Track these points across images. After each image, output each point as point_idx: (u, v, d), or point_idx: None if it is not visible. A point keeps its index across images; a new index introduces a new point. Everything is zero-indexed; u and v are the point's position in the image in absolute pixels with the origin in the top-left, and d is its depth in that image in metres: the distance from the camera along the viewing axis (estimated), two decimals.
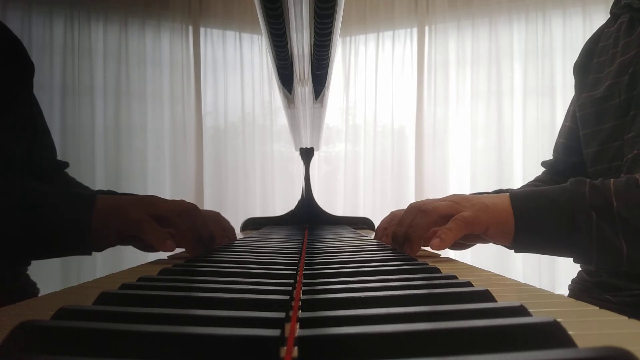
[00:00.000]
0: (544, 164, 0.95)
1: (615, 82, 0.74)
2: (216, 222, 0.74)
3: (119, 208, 0.56)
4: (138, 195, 0.66)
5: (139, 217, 0.56)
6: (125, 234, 0.56)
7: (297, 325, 0.24)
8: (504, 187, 0.86)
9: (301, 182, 1.43)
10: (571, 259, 0.61)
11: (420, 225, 0.58)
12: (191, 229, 0.58)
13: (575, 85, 0.87)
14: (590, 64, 0.83)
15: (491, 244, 0.65)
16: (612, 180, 0.57)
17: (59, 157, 0.88)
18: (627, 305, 0.70)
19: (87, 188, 0.87)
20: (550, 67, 2.55)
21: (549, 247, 0.58)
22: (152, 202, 0.58)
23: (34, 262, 0.70)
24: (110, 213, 0.56)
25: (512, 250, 0.63)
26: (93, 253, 0.58)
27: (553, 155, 0.94)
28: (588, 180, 0.58)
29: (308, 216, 1.41)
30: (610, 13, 0.83)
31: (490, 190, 0.83)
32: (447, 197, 0.63)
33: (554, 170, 0.92)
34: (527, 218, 0.57)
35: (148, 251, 0.67)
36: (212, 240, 0.63)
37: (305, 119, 1.17)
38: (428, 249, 0.67)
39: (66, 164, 0.89)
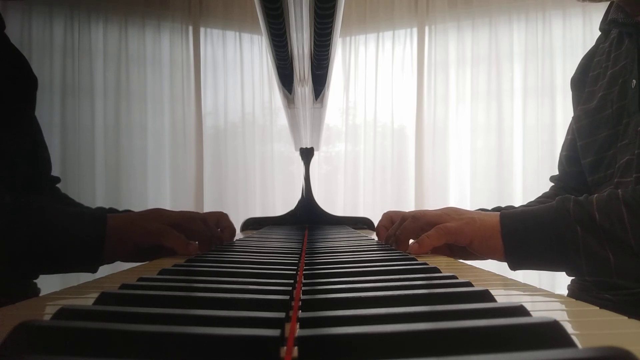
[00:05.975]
0: (551, 178, 0.97)
1: (607, 94, 0.77)
2: (216, 223, 0.76)
3: (134, 222, 0.59)
4: (143, 210, 0.68)
5: (158, 226, 0.59)
6: (142, 245, 0.59)
7: (297, 325, 0.24)
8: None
9: (301, 182, 1.43)
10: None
11: (407, 228, 0.65)
12: (201, 232, 0.64)
13: (572, 99, 0.90)
14: (585, 78, 0.86)
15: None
16: (595, 195, 0.60)
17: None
18: (626, 304, 0.70)
19: (80, 205, 0.89)
20: (550, 67, 2.55)
21: (540, 264, 0.60)
22: (162, 213, 0.63)
23: None
24: (125, 228, 0.58)
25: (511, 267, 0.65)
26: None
27: (558, 168, 0.96)
28: (572, 197, 0.60)
29: (308, 216, 1.41)
30: (600, 29, 0.86)
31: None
32: (443, 208, 0.67)
33: (561, 183, 0.94)
34: (515, 237, 0.59)
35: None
36: (220, 241, 0.69)
37: (305, 119, 1.17)
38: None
39: (58, 179, 0.91)
